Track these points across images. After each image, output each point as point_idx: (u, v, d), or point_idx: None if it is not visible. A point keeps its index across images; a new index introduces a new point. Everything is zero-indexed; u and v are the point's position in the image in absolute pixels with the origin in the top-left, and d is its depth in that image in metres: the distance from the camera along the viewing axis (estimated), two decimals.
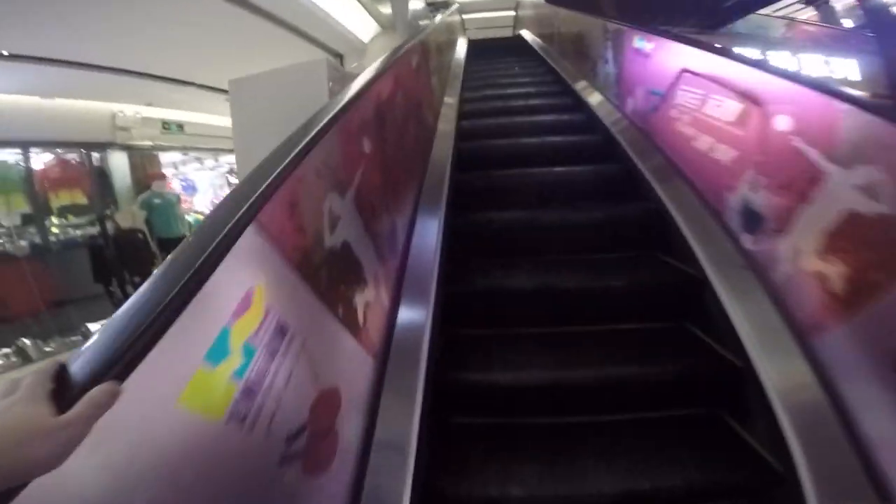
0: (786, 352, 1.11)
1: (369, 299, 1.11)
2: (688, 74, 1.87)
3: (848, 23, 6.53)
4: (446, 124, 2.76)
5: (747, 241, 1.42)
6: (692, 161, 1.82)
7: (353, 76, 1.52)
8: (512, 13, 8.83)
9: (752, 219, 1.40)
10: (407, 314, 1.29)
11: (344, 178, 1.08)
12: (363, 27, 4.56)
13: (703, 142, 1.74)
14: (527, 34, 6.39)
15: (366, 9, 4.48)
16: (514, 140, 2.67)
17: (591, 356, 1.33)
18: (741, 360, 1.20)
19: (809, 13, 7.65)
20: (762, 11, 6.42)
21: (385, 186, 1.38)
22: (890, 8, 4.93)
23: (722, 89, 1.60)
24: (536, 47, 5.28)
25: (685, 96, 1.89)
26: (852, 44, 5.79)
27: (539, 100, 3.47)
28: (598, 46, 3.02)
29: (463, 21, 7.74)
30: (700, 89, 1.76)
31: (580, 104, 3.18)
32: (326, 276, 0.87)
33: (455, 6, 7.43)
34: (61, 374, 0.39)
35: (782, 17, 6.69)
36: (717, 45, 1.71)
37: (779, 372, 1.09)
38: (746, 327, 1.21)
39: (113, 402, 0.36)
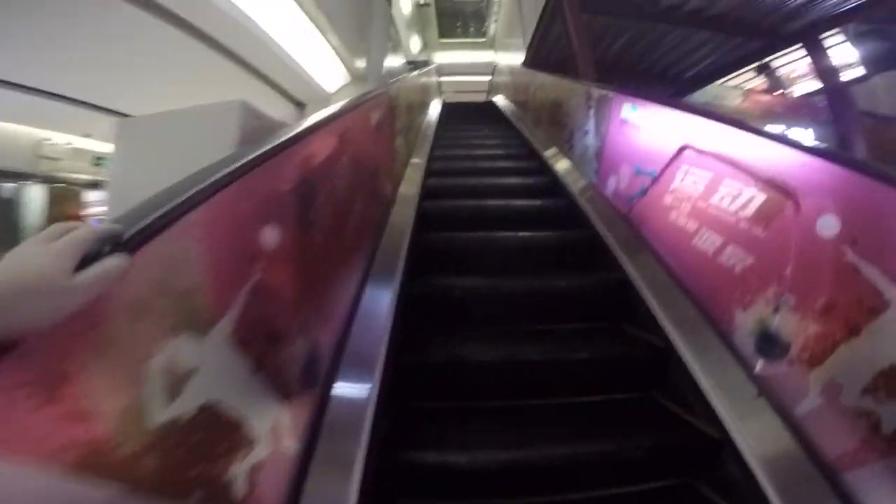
0: None
1: (263, 452, 0.73)
2: (691, 152, 1.61)
3: (798, 91, 6.97)
4: (410, 187, 2.45)
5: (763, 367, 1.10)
6: (692, 266, 1.51)
7: (280, 126, 1.15)
8: (488, 78, 9.11)
9: (772, 344, 1.09)
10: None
11: (215, 301, 0.63)
12: (330, 76, 4.37)
13: (708, 241, 1.44)
14: (500, 100, 6.47)
15: (339, 57, 4.30)
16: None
17: (557, 432, 1.25)
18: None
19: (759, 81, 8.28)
20: (719, 82, 6.84)
21: (310, 271, 1.01)
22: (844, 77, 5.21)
23: (739, 173, 1.33)
24: (509, 113, 5.26)
25: (686, 180, 1.62)
26: (806, 113, 6.14)
27: (511, 178, 3.18)
28: (578, 115, 2.86)
29: (440, 83, 7.85)
30: (707, 171, 1.50)
31: (554, 185, 2.96)
32: (156, 464, 0.52)
33: (433, 66, 7.58)
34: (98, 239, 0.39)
35: (737, 88, 7.10)
36: (732, 116, 1.46)
37: None
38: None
39: (121, 274, 0.39)
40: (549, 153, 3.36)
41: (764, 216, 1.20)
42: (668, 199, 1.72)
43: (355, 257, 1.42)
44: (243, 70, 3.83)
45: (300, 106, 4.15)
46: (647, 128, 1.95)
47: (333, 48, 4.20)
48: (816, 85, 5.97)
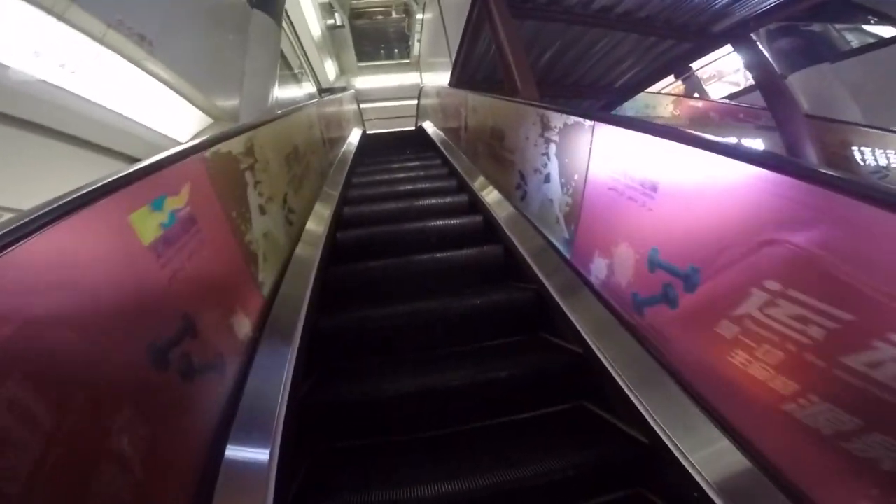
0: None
1: None
2: (784, 251, 0.80)
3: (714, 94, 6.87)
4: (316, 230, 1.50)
5: None
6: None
7: None
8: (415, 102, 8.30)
9: None
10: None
11: None
12: (180, 123, 3.26)
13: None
14: (430, 127, 5.67)
15: (192, 103, 3.21)
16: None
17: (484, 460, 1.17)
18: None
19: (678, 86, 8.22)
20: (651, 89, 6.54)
21: None
22: (780, 77, 4.92)
23: None
24: (440, 143, 4.44)
25: (775, 310, 0.80)
26: (741, 119, 5.90)
27: (446, 251, 2.24)
28: (530, 151, 2.04)
29: (359, 111, 6.93)
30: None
31: (508, 259, 2.12)
32: None
33: (348, 93, 6.65)
34: None
35: (669, 94, 6.86)
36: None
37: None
38: None
39: None
40: (491, 200, 2.52)
41: None
42: (728, 329, 0.89)
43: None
44: (48, 138, 2.69)
45: (136, 160, 3.08)
46: (678, 189, 1.13)
47: (183, 95, 3.15)
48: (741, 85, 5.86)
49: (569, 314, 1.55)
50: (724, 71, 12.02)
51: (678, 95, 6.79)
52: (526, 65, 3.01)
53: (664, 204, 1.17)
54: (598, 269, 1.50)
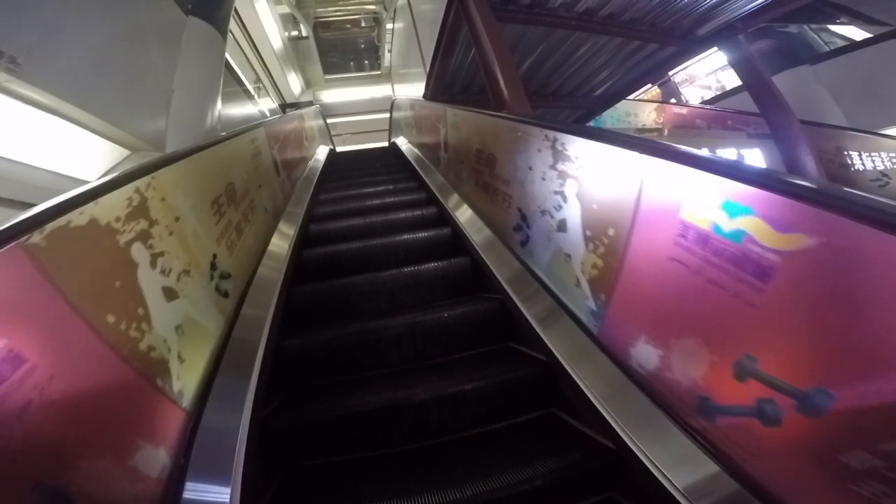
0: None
1: None
2: None
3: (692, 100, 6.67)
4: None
5: None
6: None
7: None
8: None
9: None
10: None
11: None
12: (86, 160, 2.63)
13: None
14: (403, 144, 5.19)
15: (101, 135, 2.58)
16: None
17: (457, 473, 1.15)
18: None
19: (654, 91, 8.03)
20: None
21: None
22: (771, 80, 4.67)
23: None
24: (416, 164, 3.96)
25: None
26: (730, 126, 5.65)
27: (432, 313, 1.84)
28: (534, 187, 1.58)
29: (325, 127, 6.40)
30: None
31: (505, 320, 1.69)
32: None
33: (314, 107, 6.11)
34: None
35: (651, 101, 6.60)
36: None
37: None
38: None
39: None
40: (481, 240, 2.05)
41: None
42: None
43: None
44: None
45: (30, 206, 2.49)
46: (816, 282, 0.67)
47: (76, 122, 2.54)
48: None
49: (598, 406, 1.11)
50: (696, 75, 12.10)
51: (661, 102, 6.54)
52: (514, 73, 2.58)
53: (781, 301, 0.72)
54: (642, 357, 1.05)
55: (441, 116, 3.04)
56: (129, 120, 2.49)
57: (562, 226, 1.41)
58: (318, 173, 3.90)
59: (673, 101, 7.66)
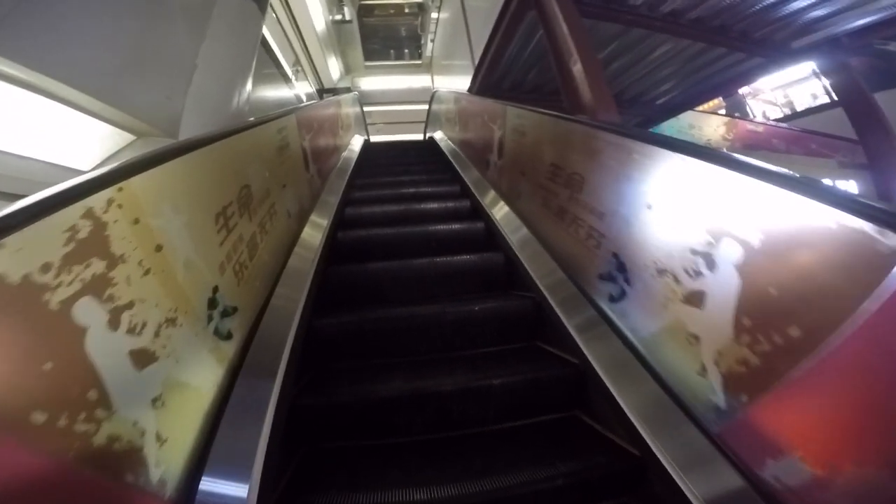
0: None
1: None
2: None
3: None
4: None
5: None
6: None
7: None
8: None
9: None
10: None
11: None
12: (66, 144, 2.23)
13: None
14: (443, 140, 4.78)
15: (74, 107, 2.13)
16: None
17: (476, 466, 1.14)
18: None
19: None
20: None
21: None
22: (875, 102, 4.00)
23: None
24: (457, 163, 3.55)
25: None
26: (814, 150, 4.93)
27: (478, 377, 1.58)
28: (657, 233, 1.15)
29: (362, 115, 6.05)
30: None
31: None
32: None
33: (352, 94, 5.77)
34: None
35: (719, 115, 5.90)
36: None
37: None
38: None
39: None
40: (545, 277, 1.64)
41: None
42: None
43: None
44: None
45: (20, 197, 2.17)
46: None
47: (90, 111, 2.16)
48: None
49: None
50: (761, 88, 11.13)
51: (732, 116, 5.87)
52: (599, 70, 2.13)
53: None
54: (784, 472, 0.62)
55: (497, 115, 2.61)
56: (132, 99, 2.12)
57: (694, 299, 0.98)
58: (351, 166, 3.54)
59: (737, 115, 6.96)
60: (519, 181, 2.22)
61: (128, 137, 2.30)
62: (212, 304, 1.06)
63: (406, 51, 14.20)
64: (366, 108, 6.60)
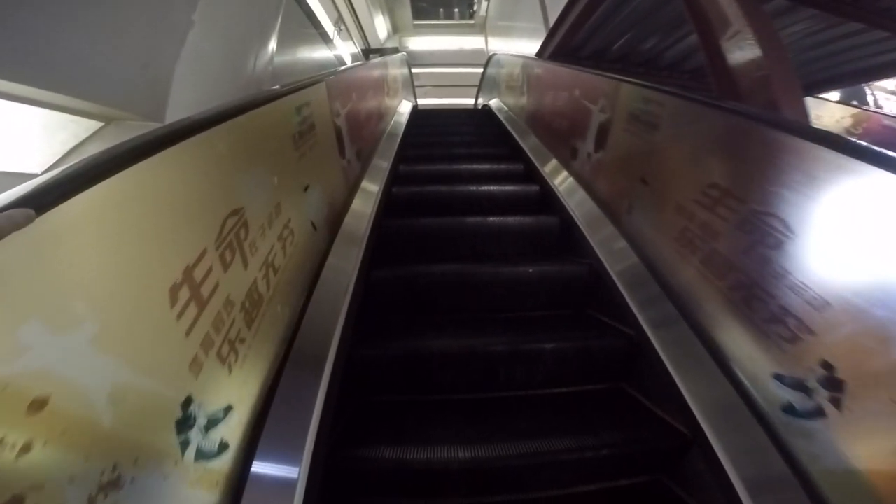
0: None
1: None
2: None
3: None
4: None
5: None
6: None
7: None
8: (477, 70, 6.46)
9: None
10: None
11: None
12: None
13: None
14: (501, 110, 4.06)
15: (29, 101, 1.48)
16: None
17: (520, 429, 1.12)
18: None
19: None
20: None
21: None
22: None
23: None
24: (525, 145, 2.87)
25: None
26: None
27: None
28: None
29: (412, 77, 5.38)
30: None
31: None
32: None
33: (400, 55, 5.11)
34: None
35: (844, 104, 4.77)
36: None
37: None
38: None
39: (26, 224, 0.40)
40: (692, 387, 1.06)
41: None
42: None
43: None
44: None
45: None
46: None
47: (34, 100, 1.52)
48: None
49: None
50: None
51: (859, 107, 4.74)
52: (778, 43, 1.41)
53: None
54: None
55: (600, 93, 1.92)
56: (93, 73, 1.47)
57: None
58: (397, 143, 2.95)
59: (854, 102, 5.75)
60: (633, 189, 1.59)
61: (91, 126, 1.64)
62: (183, 423, 0.58)
63: (456, 10, 13.06)
64: (413, 70, 5.89)
